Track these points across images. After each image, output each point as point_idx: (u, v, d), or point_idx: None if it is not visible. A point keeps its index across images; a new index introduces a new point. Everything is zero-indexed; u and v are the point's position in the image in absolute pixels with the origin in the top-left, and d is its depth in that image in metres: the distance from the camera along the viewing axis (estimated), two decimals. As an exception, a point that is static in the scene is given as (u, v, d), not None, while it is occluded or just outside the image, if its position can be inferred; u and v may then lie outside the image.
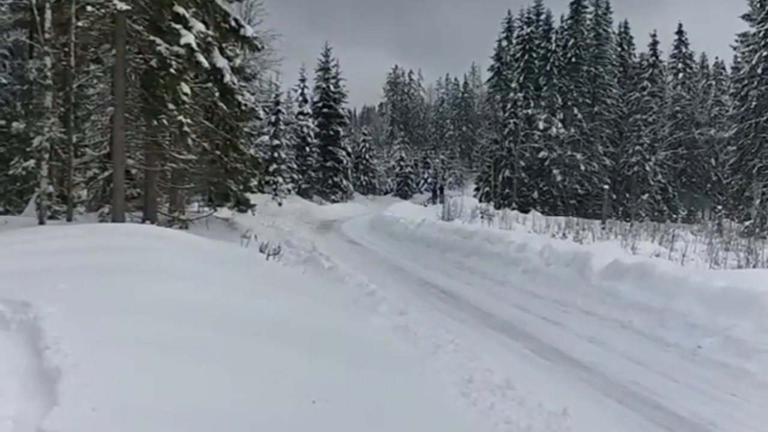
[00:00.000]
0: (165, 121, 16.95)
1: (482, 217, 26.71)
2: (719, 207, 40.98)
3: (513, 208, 39.33)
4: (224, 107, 20.77)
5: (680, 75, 59.13)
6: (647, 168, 52.22)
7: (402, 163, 79.09)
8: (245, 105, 22.09)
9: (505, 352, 8.02)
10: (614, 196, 49.50)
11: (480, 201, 41.77)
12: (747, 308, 8.21)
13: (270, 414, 4.02)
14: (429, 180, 72.51)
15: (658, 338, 8.71)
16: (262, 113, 27.42)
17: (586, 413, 5.83)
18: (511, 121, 51.24)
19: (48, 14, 16.42)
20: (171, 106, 16.70)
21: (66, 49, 17.07)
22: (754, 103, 38.67)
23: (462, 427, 5.23)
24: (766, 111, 37.80)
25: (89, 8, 15.84)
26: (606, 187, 36.05)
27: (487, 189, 52.46)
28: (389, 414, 4.76)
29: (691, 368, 7.52)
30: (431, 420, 5.05)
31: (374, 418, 4.59)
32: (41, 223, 15.89)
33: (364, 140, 75.47)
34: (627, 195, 52.24)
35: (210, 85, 19.74)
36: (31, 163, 18.15)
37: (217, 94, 20.14)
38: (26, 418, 3.26)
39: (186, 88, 16.84)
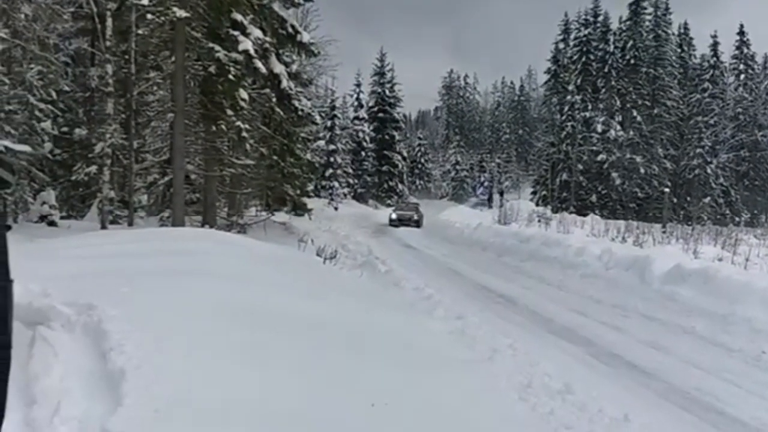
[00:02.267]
0: (224, 127, 17.18)
1: (539, 221, 26.46)
2: (783, 210, 40.00)
3: (571, 212, 38.93)
4: (281, 113, 20.95)
5: (742, 76, 57.96)
6: (709, 171, 51.26)
7: (458, 167, 78.89)
8: (302, 110, 22.27)
9: (564, 356, 7.90)
10: (675, 200, 48.67)
11: (537, 205, 41.51)
12: (813, 313, 8.03)
13: (331, 415, 4.03)
14: (486, 184, 72.36)
15: (721, 343, 8.53)
16: (318, 118, 27.73)
17: (648, 419, 5.73)
18: (569, 123, 50.82)
19: (109, 22, 16.80)
20: (229, 111, 16.93)
21: (126, 57, 17.44)
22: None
23: (521, 432, 5.17)
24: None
25: (149, 16, 16.14)
26: (666, 190, 35.46)
27: (544, 192, 52.18)
28: (447, 418, 4.73)
29: (755, 374, 7.35)
30: (490, 425, 5.00)
31: (432, 421, 4.57)
32: (103, 227, 16.23)
33: (419, 144, 75.66)
34: (688, 198, 51.34)
35: (267, 90, 19.95)
36: (93, 168, 18.63)
37: (274, 99, 20.34)
38: (91, 419, 3.32)
39: (244, 94, 17.04)
